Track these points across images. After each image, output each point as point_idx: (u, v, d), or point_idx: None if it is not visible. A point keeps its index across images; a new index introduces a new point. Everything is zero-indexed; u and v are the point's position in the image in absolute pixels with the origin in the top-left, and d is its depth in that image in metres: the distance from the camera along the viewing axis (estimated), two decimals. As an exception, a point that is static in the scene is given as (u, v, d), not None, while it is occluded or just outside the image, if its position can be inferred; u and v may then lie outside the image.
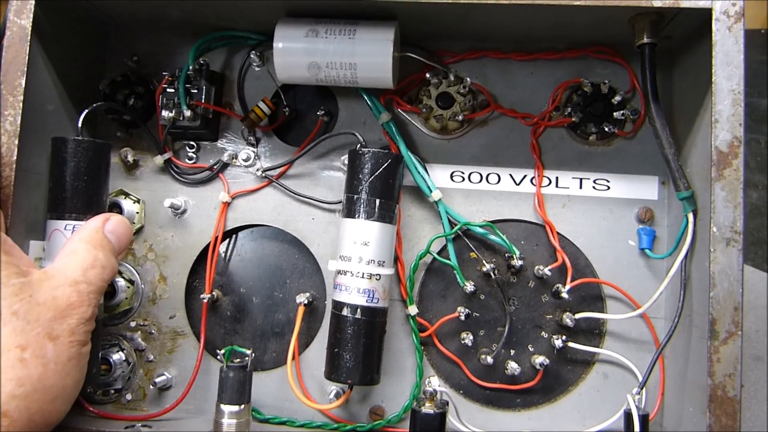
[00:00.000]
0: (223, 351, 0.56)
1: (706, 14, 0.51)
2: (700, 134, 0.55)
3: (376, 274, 0.56)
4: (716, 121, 0.49)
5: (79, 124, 0.57)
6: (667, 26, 0.56)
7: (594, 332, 0.62)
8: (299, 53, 0.58)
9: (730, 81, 0.49)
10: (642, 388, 0.57)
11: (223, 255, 0.67)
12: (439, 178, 0.64)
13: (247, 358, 0.57)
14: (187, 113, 0.61)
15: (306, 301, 0.62)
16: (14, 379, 0.44)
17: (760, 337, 0.83)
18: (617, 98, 0.61)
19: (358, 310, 0.56)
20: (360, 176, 0.56)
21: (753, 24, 0.96)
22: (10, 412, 0.44)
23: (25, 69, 0.54)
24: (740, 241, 0.48)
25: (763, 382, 0.81)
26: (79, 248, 0.51)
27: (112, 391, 0.64)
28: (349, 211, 0.57)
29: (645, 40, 0.55)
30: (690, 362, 0.55)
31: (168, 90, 0.62)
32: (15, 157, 0.54)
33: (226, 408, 0.55)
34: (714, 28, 0.50)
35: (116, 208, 0.65)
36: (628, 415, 0.54)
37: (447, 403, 0.54)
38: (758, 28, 0.96)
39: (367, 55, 0.57)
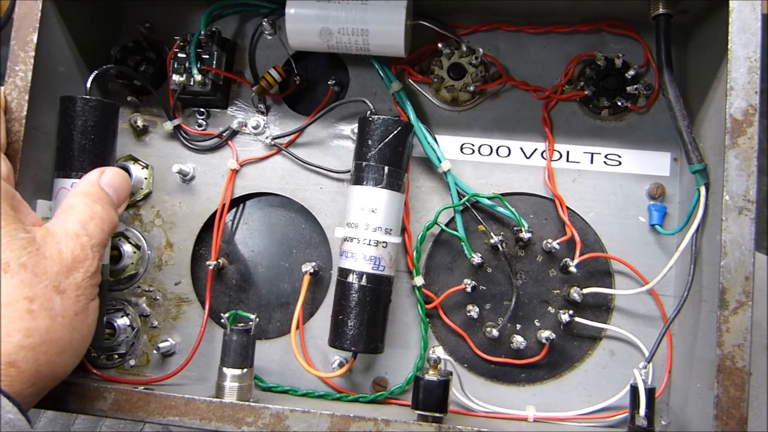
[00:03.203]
0: (227, 314, 0.56)
1: (723, -18, 0.50)
2: (714, 107, 0.54)
3: (383, 242, 0.56)
4: (731, 89, 0.49)
5: (88, 84, 0.57)
6: (683, -2, 0.55)
7: (601, 308, 0.61)
8: (311, 19, 0.58)
9: (747, 48, 0.48)
10: (649, 362, 0.56)
11: (229, 223, 0.66)
12: (448, 149, 0.63)
13: (251, 323, 0.57)
14: (198, 78, 0.61)
15: (312, 270, 0.62)
16: (22, 329, 0.44)
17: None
18: (631, 72, 0.60)
19: (364, 277, 0.55)
20: (369, 143, 0.56)
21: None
22: (18, 362, 0.44)
23: (38, 26, 0.54)
24: (753, 210, 0.48)
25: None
26: (75, 202, 0.50)
27: (116, 356, 0.64)
28: (358, 178, 0.56)
29: (661, 11, 0.55)
30: (698, 338, 0.54)
31: (179, 54, 0.62)
32: (25, 113, 0.54)
33: (229, 371, 0.55)
34: (731, -6, 0.49)
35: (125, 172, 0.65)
36: (634, 389, 0.54)
37: (451, 373, 0.54)
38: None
39: (379, 21, 0.57)
